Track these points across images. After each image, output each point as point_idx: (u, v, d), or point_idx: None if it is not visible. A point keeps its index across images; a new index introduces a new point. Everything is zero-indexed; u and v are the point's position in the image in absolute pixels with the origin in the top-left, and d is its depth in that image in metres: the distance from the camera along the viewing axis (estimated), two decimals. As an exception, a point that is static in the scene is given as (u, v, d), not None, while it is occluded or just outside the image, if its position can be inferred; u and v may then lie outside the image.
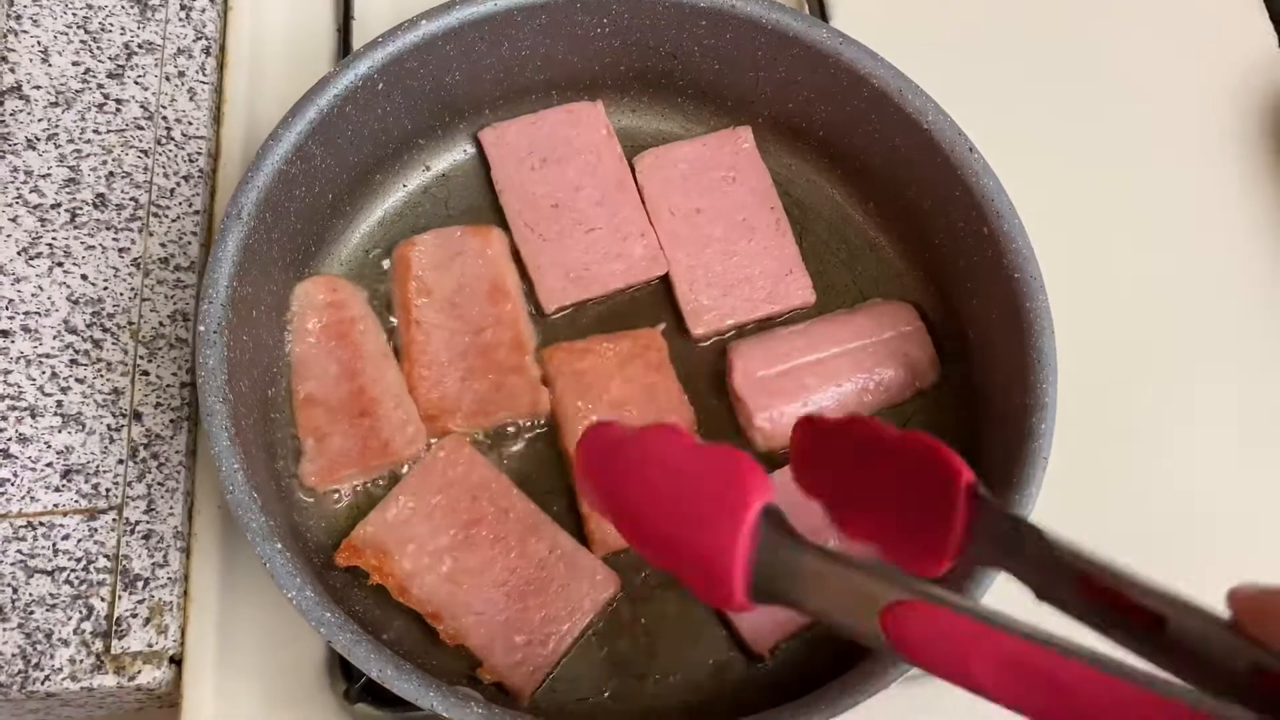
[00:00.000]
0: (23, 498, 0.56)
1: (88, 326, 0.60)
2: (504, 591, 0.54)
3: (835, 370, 0.60)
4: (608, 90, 0.65)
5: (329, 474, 0.54)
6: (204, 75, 0.68)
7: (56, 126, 0.64)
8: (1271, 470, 0.64)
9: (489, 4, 0.57)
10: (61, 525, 0.55)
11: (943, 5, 0.77)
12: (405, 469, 0.56)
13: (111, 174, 0.63)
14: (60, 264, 0.61)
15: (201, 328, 0.49)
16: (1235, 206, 0.73)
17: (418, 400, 0.56)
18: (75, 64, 0.66)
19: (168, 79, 0.67)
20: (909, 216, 0.61)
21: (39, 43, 0.66)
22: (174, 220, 0.63)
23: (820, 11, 0.73)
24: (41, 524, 0.55)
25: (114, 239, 0.62)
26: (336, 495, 0.56)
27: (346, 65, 0.54)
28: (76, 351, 0.59)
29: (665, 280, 0.62)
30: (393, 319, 0.60)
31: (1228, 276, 0.70)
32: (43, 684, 0.52)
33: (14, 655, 0.52)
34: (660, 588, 0.56)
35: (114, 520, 0.56)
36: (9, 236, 0.61)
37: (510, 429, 0.58)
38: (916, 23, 0.75)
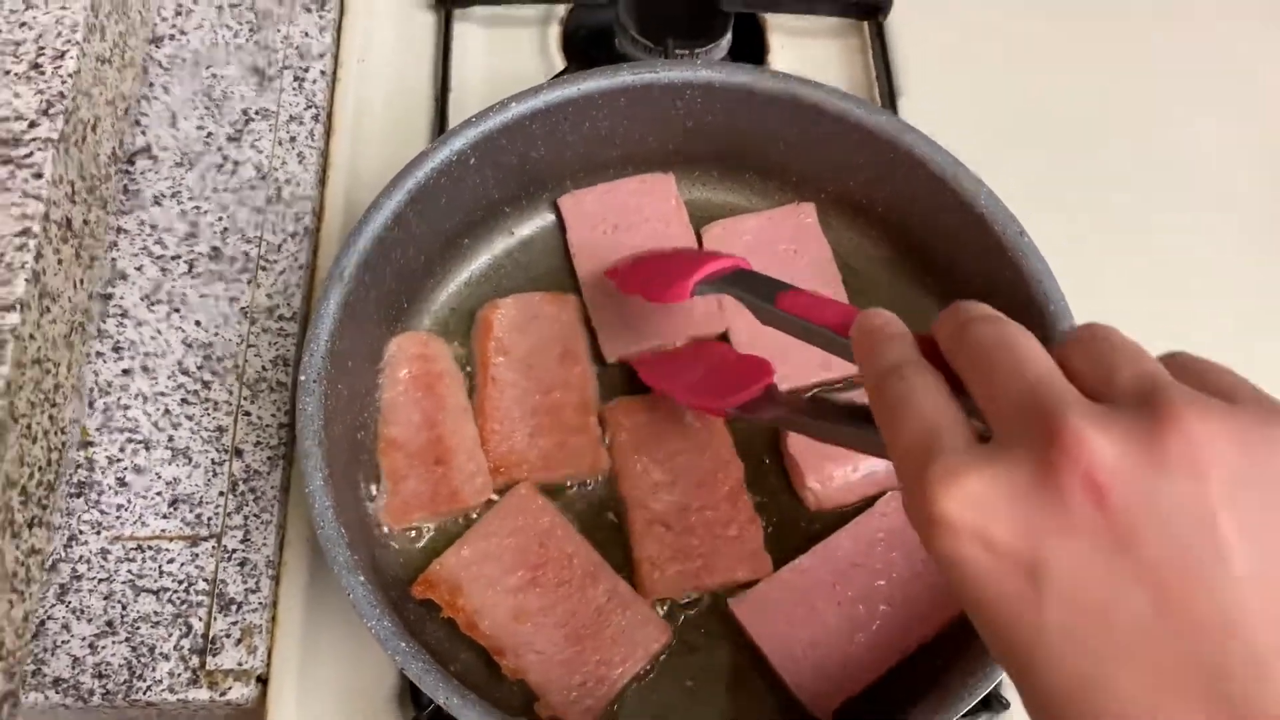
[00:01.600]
0: (134, 522, 0.61)
1: (198, 369, 0.66)
2: (564, 633, 0.57)
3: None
4: (680, 165, 0.69)
5: (402, 514, 0.59)
6: (312, 141, 0.74)
7: (180, 185, 0.71)
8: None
9: (573, 88, 0.62)
10: (167, 549, 0.61)
11: (1009, 102, 0.80)
12: (474, 515, 0.60)
13: (226, 229, 0.70)
14: (178, 310, 0.67)
15: (303, 376, 0.54)
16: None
17: (488, 452, 0.61)
18: (199, 128, 0.73)
19: (280, 143, 0.73)
20: (961, 292, 0.64)
21: (168, 108, 0.73)
22: (280, 273, 0.69)
23: (890, 94, 0.78)
24: (150, 547, 0.61)
25: (225, 289, 0.68)
26: (415, 533, 0.60)
27: (442, 142, 0.60)
28: (188, 391, 0.65)
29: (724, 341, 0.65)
30: (468, 369, 0.65)
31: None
32: (145, 694, 0.57)
33: (121, 666, 0.58)
34: (708, 638, 0.59)
35: (213, 547, 0.61)
36: (134, 284, 0.67)
37: (569, 486, 0.62)
38: (981, 108, 0.79)
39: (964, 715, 0.58)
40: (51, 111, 0.52)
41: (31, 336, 0.51)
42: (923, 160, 0.62)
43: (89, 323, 0.61)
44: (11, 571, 0.50)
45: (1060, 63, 0.83)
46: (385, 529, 0.59)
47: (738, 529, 0.61)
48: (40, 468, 0.54)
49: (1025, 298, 0.58)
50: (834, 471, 0.62)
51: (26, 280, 0.49)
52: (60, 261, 0.54)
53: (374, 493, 0.60)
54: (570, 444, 0.61)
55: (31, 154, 0.51)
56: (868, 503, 0.62)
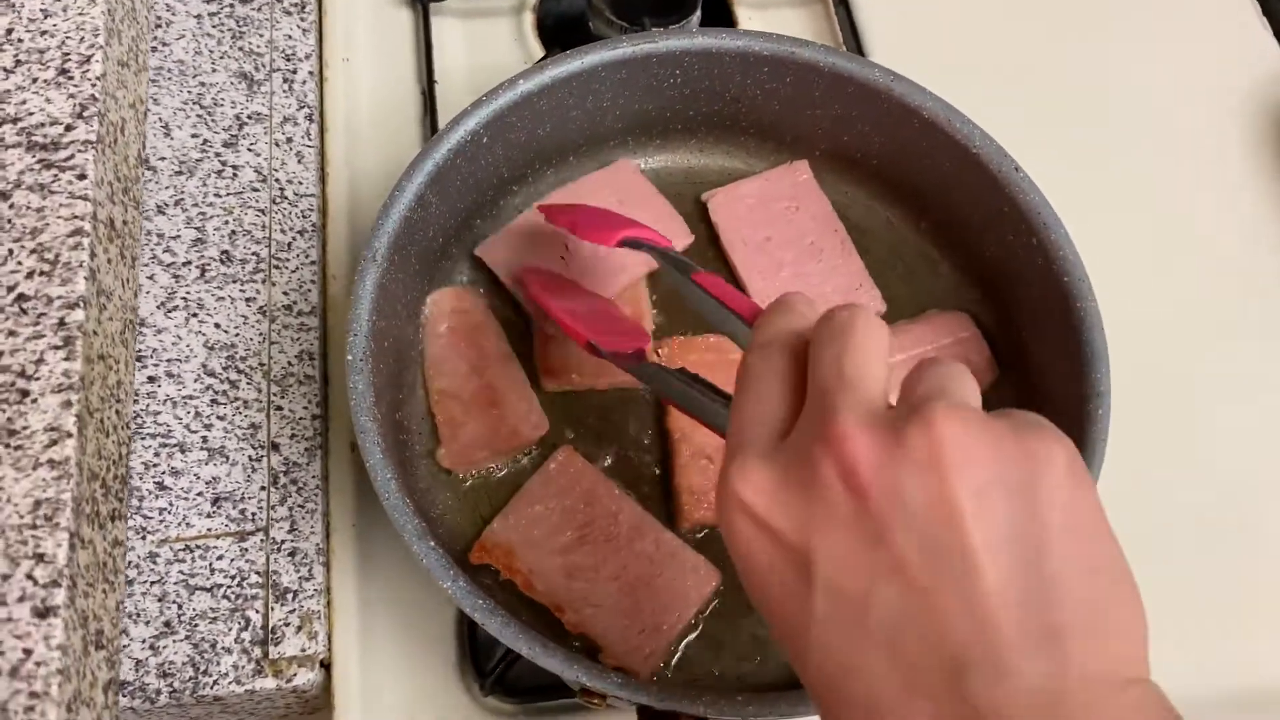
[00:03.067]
0: (179, 524, 0.62)
1: (224, 369, 0.66)
2: (617, 585, 0.59)
3: (898, 376, 0.65)
4: (676, 133, 0.71)
5: (464, 458, 0.61)
6: (309, 140, 0.75)
7: (182, 193, 0.71)
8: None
9: (577, 62, 0.63)
10: (215, 547, 0.61)
11: (970, 41, 0.84)
12: (530, 452, 0.63)
13: (234, 232, 0.70)
14: (195, 314, 0.67)
15: (350, 357, 0.55)
16: (1250, 205, 0.80)
17: (548, 357, 0.64)
18: (194, 135, 0.73)
19: (277, 145, 0.74)
20: (961, 233, 0.67)
21: (160, 119, 0.73)
22: (293, 271, 0.70)
23: (858, 49, 0.81)
24: (198, 546, 0.61)
25: (240, 290, 0.68)
26: (458, 502, 0.62)
27: (457, 122, 0.61)
28: (216, 392, 0.65)
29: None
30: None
31: (1247, 267, 0.77)
32: (211, 689, 0.58)
33: (184, 664, 0.58)
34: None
35: (261, 540, 0.62)
36: (148, 293, 0.67)
37: (611, 416, 0.64)
38: (946, 57, 0.82)
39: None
40: (86, 114, 0.53)
41: (95, 332, 0.51)
42: (916, 108, 0.64)
43: (137, 322, 0.61)
44: (102, 562, 0.50)
45: (1021, 11, 0.87)
46: (440, 476, 0.61)
47: None
48: (114, 461, 0.54)
49: (1026, 229, 0.62)
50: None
51: (85, 278, 0.49)
52: (109, 260, 0.55)
53: (421, 468, 0.61)
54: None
55: (73, 156, 0.52)
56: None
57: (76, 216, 0.50)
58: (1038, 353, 0.63)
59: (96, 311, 0.51)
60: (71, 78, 0.54)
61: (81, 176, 0.51)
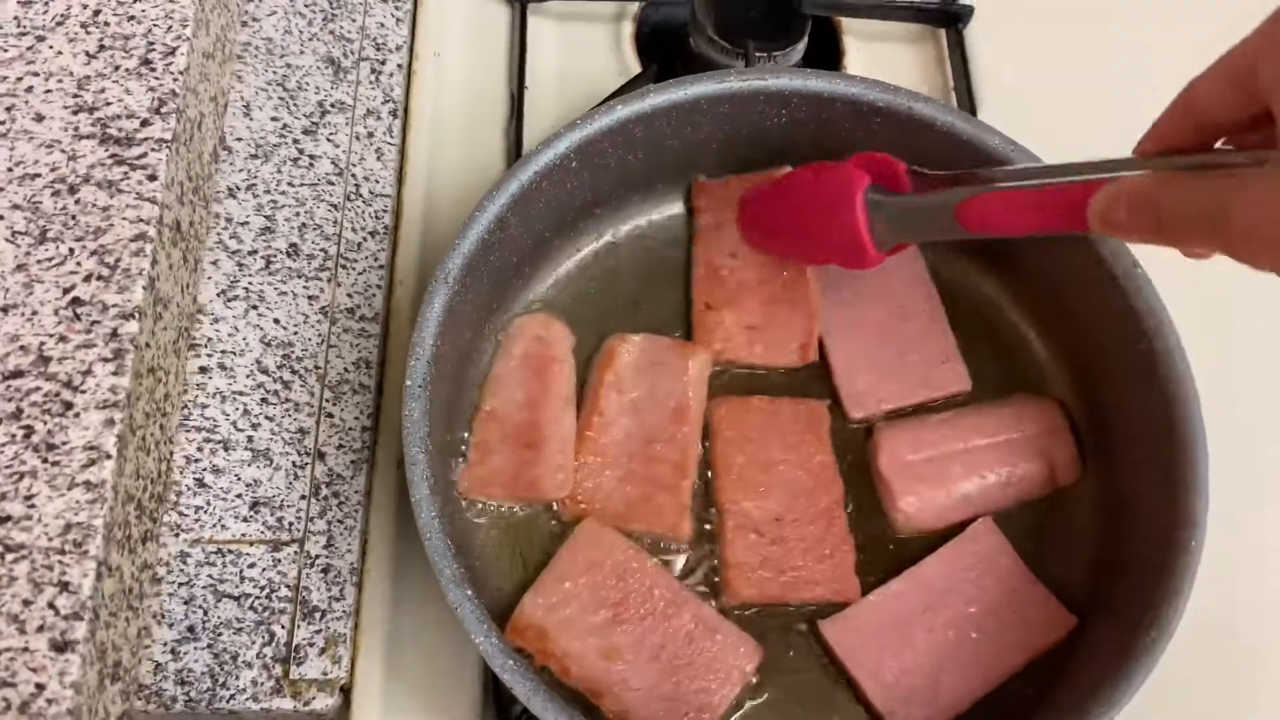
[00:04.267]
0: (214, 525, 0.60)
1: (278, 368, 0.64)
2: (657, 667, 0.56)
3: (979, 462, 0.62)
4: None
5: (480, 486, 0.59)
6: (390, 137, 0.72)
7: (255, 177, 0.69)
8: None
9: (680, 93, 0.60)
10: (248, 554, 0.59)
11: (1088, 97, 0.79)
12: (553, 506, 0.60)
13: (304, 225, 0.68)
14: (255, 307, 0.65)
15: (409, 382, 0.52)
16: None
17: (575, 481, 0.60)
18: (274, 119, 0.71)
19: (357, 138, 0.71)
20: (1062, 318, 0.63)
21: (242, 97, 0.71)
22: (360, 273, 0.67)
23: (969, 101, 0.77)
24: (230, 551, 0.59)
25: (304, 287, 0.66)
26: (500, 535, 0.59)
27: (547, 144, 0.58)
28: (267, 391, 0.63)
29: (823, 362, 0.64)
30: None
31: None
32: (228, 703, 0.56)
33: (203, 673, 0.56)
34: (798, 658, 0.58)
35: (296, 553, 0.60)
36: (210, 279, 0.65)
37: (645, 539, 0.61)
38: (1062, 116, 0.78)
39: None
40: (164, 110, 0.50)
41: (148, 345, 0.49)
42: (1030, 181, 0.60)
43: (193, 328, 0.59)
44: (129, 589, 0.48)
45: (1146, 67, 0.82)
46: (457, 499, 0.59)
47: (830, 548, 0.60)
48: (152, 479, 0.52)
49: (1136, 330, 0.58)
50: (926, 493, 0.61)
51: (144, 287, 0.47)
52: (170, 267, 0.53)
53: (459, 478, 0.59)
54: (656, 501, 0.60)
55: (145, 155, 0.49)
56: (956, 529, 0.61)
57: (142, 220, 0.48)
58: (1126, 461, 0.59)
59: (151, 323, 0.49)
60: (154, 69, 0.51)
61: (153, 177, 0.49)
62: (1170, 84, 0.82)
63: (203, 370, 0.63)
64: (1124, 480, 0.60)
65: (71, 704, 0.39)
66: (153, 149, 0.50)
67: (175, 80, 0.51)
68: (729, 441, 0.61)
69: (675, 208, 0.69)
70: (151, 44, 0.52)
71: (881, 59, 0.81)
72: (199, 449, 0.61)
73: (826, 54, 0.81)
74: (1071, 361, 0.64)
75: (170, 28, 0.53)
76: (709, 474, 0.62)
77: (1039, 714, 0.54)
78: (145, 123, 0.50)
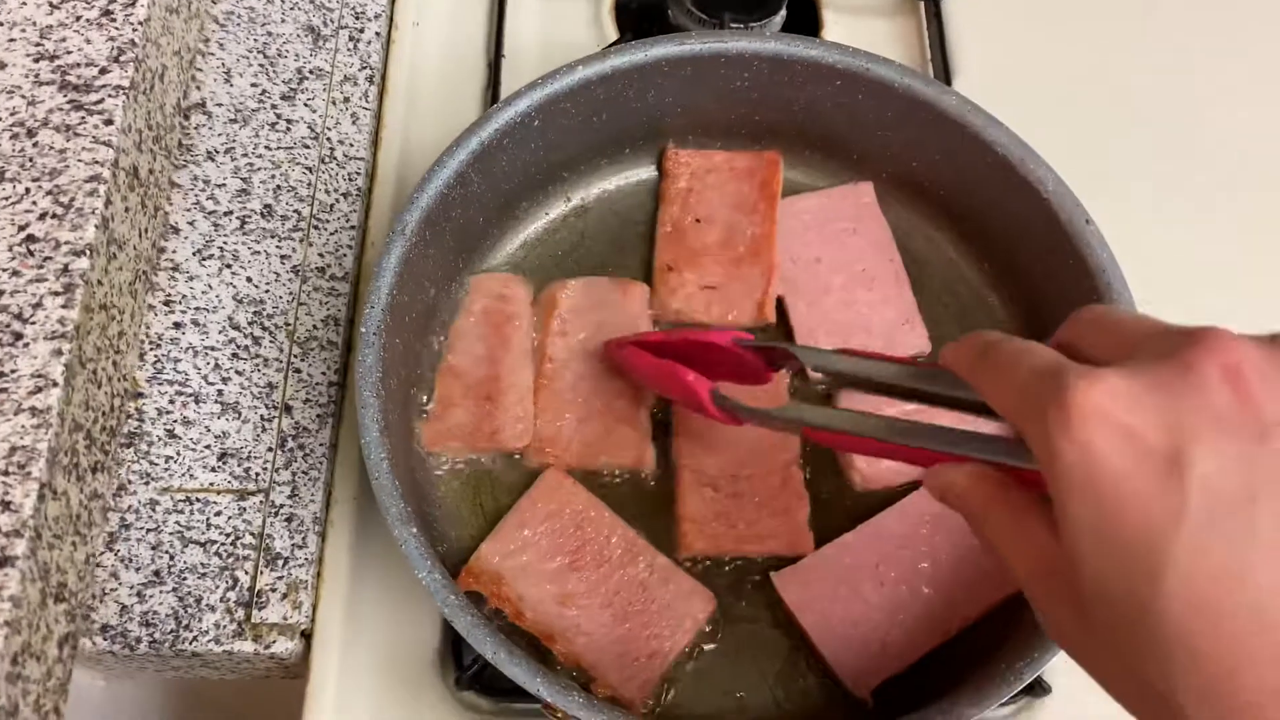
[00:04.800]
0: (183, 474, 0.61)
1: (249, 324, 0.65)
2: (610, 613, 0.57)
3: (936, 418, 0.62)
4: (741, 138, 0.69)
5: (439, 439, 0.60)
6: (366, 102, 0.73)
7: (233, 141, 0.70)
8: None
9: (640, 54, 0.61)
10: (215, 502, 0.61)
11: (1064, 71, 0.80)
12: (515, 457, 0.61)
13: (279, 187, 0.69)
14: (229, 266, 0.67)
15: (363, 329, 0.53)
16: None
17: (536, 429, 0.61)
18: (254, 85, 0.73)
19: (334, 103, 0.73)
20: (1021, 279, 0.64)
21: (223, 64, 0.73)
22: (332, 233, 0.68)
23: (945, 74, 0.77)
24: (198, 499, 0.61)
25: (277, 246, 0.68)
26: (461, 487, 0.60)
27: (508, 102, 0.59)
28: (238, 346, 0.65)
29: (785, 325, 0.65)
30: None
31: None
32: (190, 644, 0.57)
33: (168, 615, 0.58)
34: (751, 608, 0.59)
35: (261, 502, 0.61)
36: (186, 238, 0.67)
37: (606, 475, 0.62)
38: (1037, 89, 0.78)
39: (1006, 701, 0.58)
40: (122, 59, 0.52)
41: (99, 282, 0.51)
42: (989, 143, 0.61)
43: (152, 272, 0.61)
44: (75, 514, 0.50)
45: (1122, 40, 0.82)
46: (420, 452, 0.60)
47: (785, 503, 0.60)
48: (104, 413, 0.54)
49: (1090, 288, 0.58)
50: (884, 452, 0.61)
51: (96, 226, 0.49)
52: (127, 209, 0.54)
53: (426, 456, 0.60)
54: (618, 434, 0.61)
55: (102, 100, 0.51)
56: (914, 485, 0.61)
57: (97, 162, 0.49)
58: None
59: (104, 261, 0.50)
60: (114, 20, 0.53)
61: (109, 122, 0.50)
62: (1146, 60, 0.82)
63: (176, 326, 0.65)
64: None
65: (10, 616, 0.41)
66: (110, 95, 0.51)
67: (135, 30, 0.53)
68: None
69: (643, 173, 0.70)
70: (113, -4, 0.54)
71: (860, 31, 0.82)
72: (170, 401, 0.63)
73: (806, 27, 0.82)
74: (1029, 320, 0.64)
75: (132, -20, 0.54)
76: (670, 435, 0.62)
77: (989, 664, 0.54)
78: (104, 70, 0.52)
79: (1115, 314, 0.37)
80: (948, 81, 0.77)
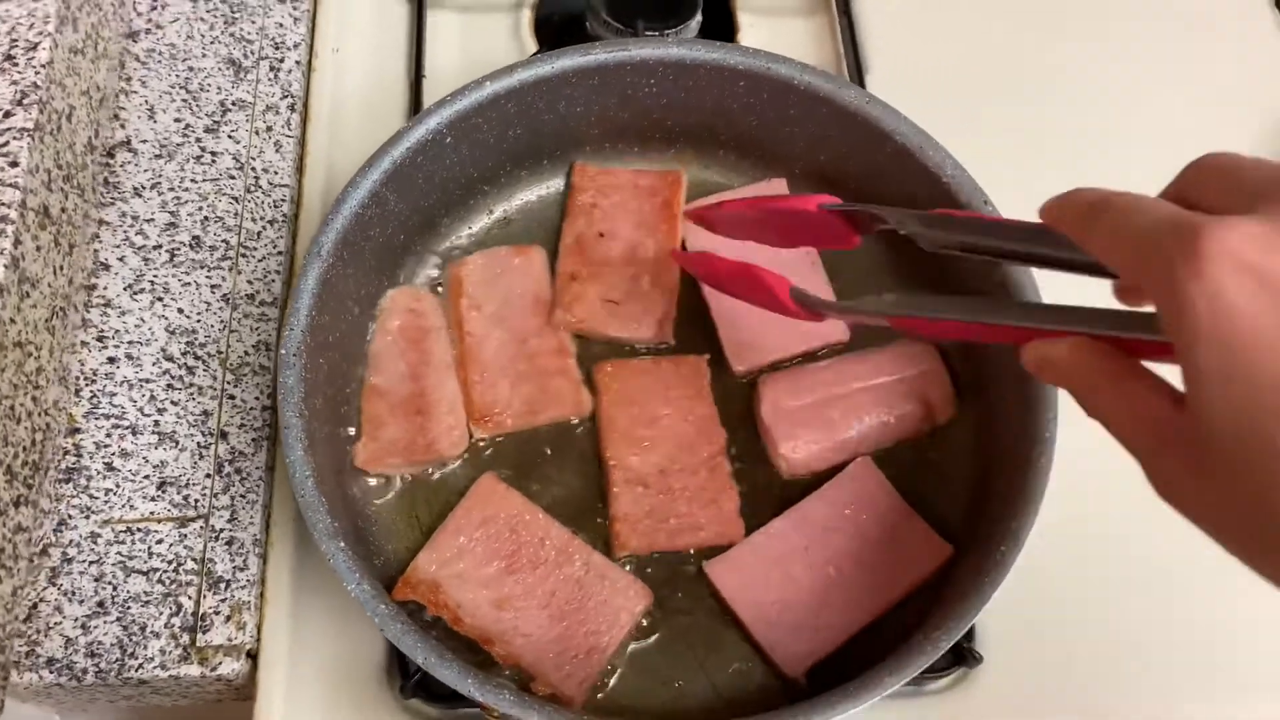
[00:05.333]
0: (123, 506, 0.62)
1: (182, 354, 0.66)
2: (548, 613, 0.58)
3: (858, 405, 0.64)
4: (655, 143, 0.70)
5: (376, 459, 0.61)
6: (289, 130, 0.75)
7: (160, 176, 0.72)
8: None
9: (547, 66, 0.63)
10: (156, 531, 0.62)
11: (972, 73, 0.82)
12: (449, 467, 0.62)
13: (206, 219, 0.71)
14: (160, 299, 0.68)
15: (283, 351, 0.55)
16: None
17: (472, 401, 0.63)
18: (177, 120, 0.74)
19: (257, 133, 0.74)
20: (934, 265, 0.65)
21: (146, 101, 0.74)
22: (260, 260, 0.70)
23: (858, 70, 0.79)
24: (139, 529, 0.62)
25: (207, 276, 0.69)
26: (397, 501, 0.61)
27: (419, 120, 0.61)
28: (172, 377, 0.66)
29: (708, 320, 0.67)
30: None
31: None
32: (136, 671, 0.58)
33: (113, 645, 0.58)
34: (688, 600, 0.60)
35: (201, 528, 0.62)
36: (117, 274, 0.68)
37: (547, 450, 0.64)
38: (947, 82, 0.81)
39: (940, 671, 0.60)
40: (26, 102, 0.53)
41: (12, 320, 0.52)
42: (889, 133, 0.63)
43: (71, 309, 0.62)
44: (0, 549, 0.51)
45: (1028, 33, 0.85)
46: (356, 473, 0.61)
47: (714, 494, 0.62)
48: (25, 448, 0.55)
49: (990, 264, 0.60)
50: (807, 437, 0.63)
51: (5, 266, 0.50)
52: (39, 248, 0.55)
53: (353, 454, 0.61)
54: (552, 387, 0.63)
55: (7, 143, 0.52)
56: (838, 470, 0.63)
57: (4, 204, 0.50)
58: (995, 392, 0.61)
59: (16, 299, 0.51)
60: (16, 64, 0.54)
61: (14, 164, 0.51)
62: (1047, 51, 0.85)
63: (111, 360, 0.66)
64: (994, 413, 0.62)
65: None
66: (14, 138, 0.52)
67: (38, 73, 0.54)
68: (613, 401, 0.64)
69: (564, 182, 0.71)
70: (14, 41, 0.55)
71: (776, 33, 0.84)
72: (108, 435, 0.64)
73: (723, 30, 0.84)
74: (943, 303, 0.66)
75: (33, 24, 0.56)
76: (597, 435, 0.64)
77: (913, 639, 0.56)
78: (7, 114, 0.53)
79: (1235, 160, 0.36)
80: (860, 78, 0.79)
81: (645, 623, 0.59)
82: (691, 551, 0.61)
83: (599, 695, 0.57)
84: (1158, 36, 0.85)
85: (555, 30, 0.83)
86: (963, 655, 0.60)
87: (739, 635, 0.60)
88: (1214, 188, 0.36)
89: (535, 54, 0.64)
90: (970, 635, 0.60)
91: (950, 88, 0.80)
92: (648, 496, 0.61)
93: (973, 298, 0.45)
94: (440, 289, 0.67)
